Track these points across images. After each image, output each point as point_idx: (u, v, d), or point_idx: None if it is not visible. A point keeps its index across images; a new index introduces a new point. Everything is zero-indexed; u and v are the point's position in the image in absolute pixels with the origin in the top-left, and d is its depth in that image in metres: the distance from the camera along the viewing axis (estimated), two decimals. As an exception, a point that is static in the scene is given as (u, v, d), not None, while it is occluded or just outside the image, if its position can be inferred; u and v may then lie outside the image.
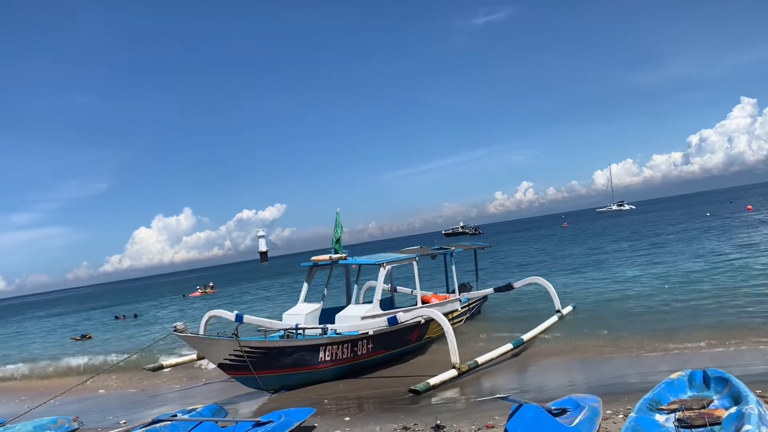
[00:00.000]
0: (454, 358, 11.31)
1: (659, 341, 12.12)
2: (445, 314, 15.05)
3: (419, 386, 10.25)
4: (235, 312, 14.98)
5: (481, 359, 11.81)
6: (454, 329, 15.39)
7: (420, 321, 13.32)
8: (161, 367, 15.30)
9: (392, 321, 12.70)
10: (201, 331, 15.13)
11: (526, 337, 13.30)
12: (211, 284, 56.62)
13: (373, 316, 13.02)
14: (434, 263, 18.42)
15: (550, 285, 16.68)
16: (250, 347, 10.99)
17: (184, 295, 53.35)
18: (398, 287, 17.55)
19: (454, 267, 16.63)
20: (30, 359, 22.80)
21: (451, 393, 10.53)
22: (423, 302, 15.12)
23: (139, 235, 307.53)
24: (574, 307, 16.89)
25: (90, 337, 27.75)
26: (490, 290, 18.03)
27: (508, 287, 17.70)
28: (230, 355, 10.83)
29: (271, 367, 11.32)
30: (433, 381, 10.52)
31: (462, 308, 16.37)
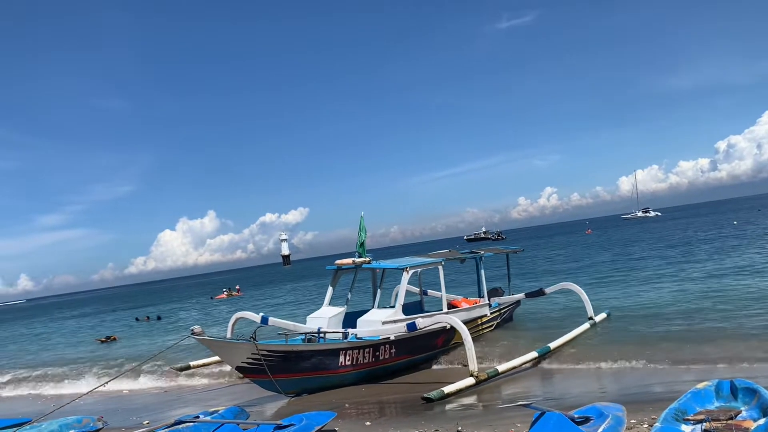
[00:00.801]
0: (472, 365, 11.20)
1: (687, 350, 11.90)
2: (473, 320, 14.97)
3: (432, 394, 10.14)
4: (261, 314, 15.07)
5: (501, 367, 11.69)
6: (483, 335, 15.35)
7: (445, 326, 13.16)
8: (188, 367, 15.47)
9: (411, 327, 12.60)
10: (228, 332, 15.26)
11: (553, 345, 13.07)
12: (237, 287, 57.54)
13: (395, 321, 12.96)
14: (463, 267, 18.26)
15: (583, 291, 16.36)
16: (267, 351, 11.02)
17: (211, 297, 54.13)
18: (429, 291, 17.42)
19: (483, 271, 16.38)
20: (55, 360, 23.19)
21: (472, 399, 10.46)
22: (452, 307, 15.03)
23: (163, 237, 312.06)
24: (608, 315, 16.54)
25: (115, 339, 28.17)
26: (522, 295, 17.74)
27: (540, 293, 17.45)
28: (248, 358, 10.88)
29: (289, 370, 11.34)
30: (447, 389, 10.40)
31: (491, 313, 16.12)
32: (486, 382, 11.16)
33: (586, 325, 15.10)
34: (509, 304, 17.47)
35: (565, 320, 16.34)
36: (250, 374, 11.22)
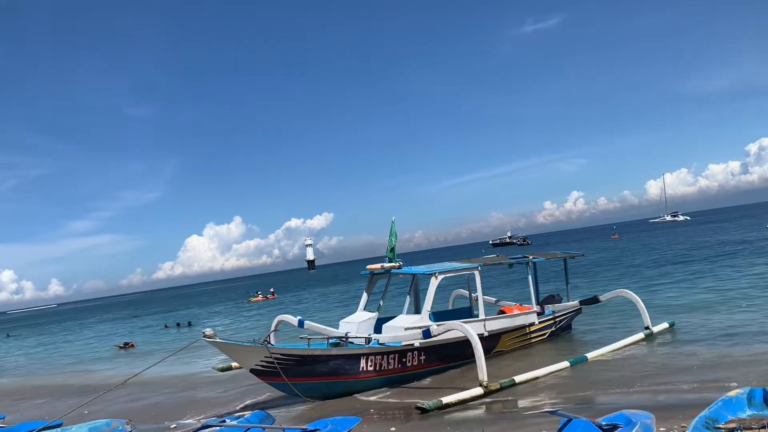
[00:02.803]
0: (481, 375, 10.96)
1: (720, 357, 11.70)
2: (519, 327, 14.81)
3: (428, 404, 9.97)
4: (298, 318, 15.19)
5: (520, 377, 11.41)
6: (533, 344, 15.15)
7: (482, 333, 12.89)
8: (229, 368, 15.71)
9: (426, 334, 12.45)
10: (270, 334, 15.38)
11: (591, 355, 12.73)
12: (271, 290, 58.95)
13: (419, 328, 12.87)
14: (510, 273, 17.90)
15: (639, 299, 15.58)
16: (281, 354, 11.10)
17: (247, 300, 55.13)
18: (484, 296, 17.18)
19: (530, 278, 15.84)
20: (79, 365, 23.57)
21: (498, 405, 10.36)
22: (501, 313, 14.92)
23: (191, 242, 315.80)
24: (671, 325, 15.51)
25: (133, 346, 28.70)
26: (577, 303, 17.15)
27: (594, 300, 16.88)
28: (261, 361, 10.99)
29: (306, 374, 11.39)
30: (447, 399, 10.21)
31: (541, 322, 15.55)
32: (499, 392, 10.90)
33: (639, 336, 14.52)
34: (565, 312, 16.70)
35: (622, 330, 15.75)
36: (265, 377, 11.32)
